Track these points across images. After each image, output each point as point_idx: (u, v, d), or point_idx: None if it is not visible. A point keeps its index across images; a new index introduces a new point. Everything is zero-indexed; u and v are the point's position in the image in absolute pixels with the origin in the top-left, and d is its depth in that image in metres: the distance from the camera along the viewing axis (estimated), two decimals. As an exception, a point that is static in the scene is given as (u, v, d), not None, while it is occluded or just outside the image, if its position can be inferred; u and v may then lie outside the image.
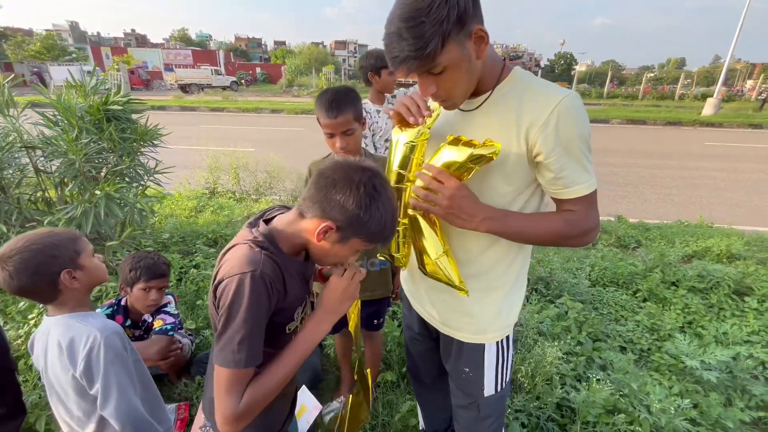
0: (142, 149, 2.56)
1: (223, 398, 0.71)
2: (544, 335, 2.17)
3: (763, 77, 29.23)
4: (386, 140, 2.41)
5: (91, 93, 2.48)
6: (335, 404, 1.83)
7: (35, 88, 2.44)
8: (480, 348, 1.03)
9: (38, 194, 2.71)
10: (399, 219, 0.92)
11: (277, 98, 21.42)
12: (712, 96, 15.54)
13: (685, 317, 2.52)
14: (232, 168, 5.08)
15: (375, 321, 1.72)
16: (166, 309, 1.74)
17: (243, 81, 30.32)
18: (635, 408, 1.64)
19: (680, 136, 11.45)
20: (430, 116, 0.86)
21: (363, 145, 2.39)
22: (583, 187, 0.83)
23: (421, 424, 1.54)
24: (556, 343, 1.94)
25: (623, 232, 3.92)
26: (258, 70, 37.15)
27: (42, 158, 2.66)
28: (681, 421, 1.54)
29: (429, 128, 0.87)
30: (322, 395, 1.91)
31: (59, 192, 2.67)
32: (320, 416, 1.78)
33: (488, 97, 0.86)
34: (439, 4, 0.69)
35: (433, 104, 0.90)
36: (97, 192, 2.04)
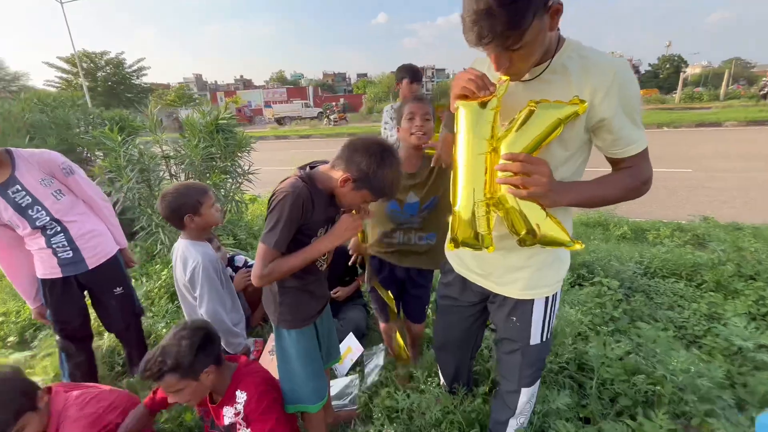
0: (240, 154, 3.32)
1: (258, 262, 1.12)
2: (574, 306, 2.22)
3: None
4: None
5: (207, 115, 3.34)
6: (377, 348, 2.16)
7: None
8: (529, 303, 1.13)
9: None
10: (484, 193, 0.94)
11: (358, 124, 23.14)
12: None
13: (758, 309, 2.29)
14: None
15: (427, 307, 1.88)
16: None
17: (328, 111, 33.40)
18: (657, 369, 1.65)
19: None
20: (502, 86, 0.89)
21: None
22: (641, 144, 0.93)
23: (442, 381, 1.69)
24: (578, 308, 2.01)
25: (704, 230, 3.58)
26: (342, 100, 40.54)
27: (174, 165, 3.60)
28: (705, 381, 1.53)
29: (500, 99, 0.90)
30: (365, 346, 2.24)
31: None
32: (362, 356, 2.13)
33: (547, 66, 0.92)
34: None
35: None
36: (208, 182, 2.75)
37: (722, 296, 2.45)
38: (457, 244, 1.04)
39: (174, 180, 3.56)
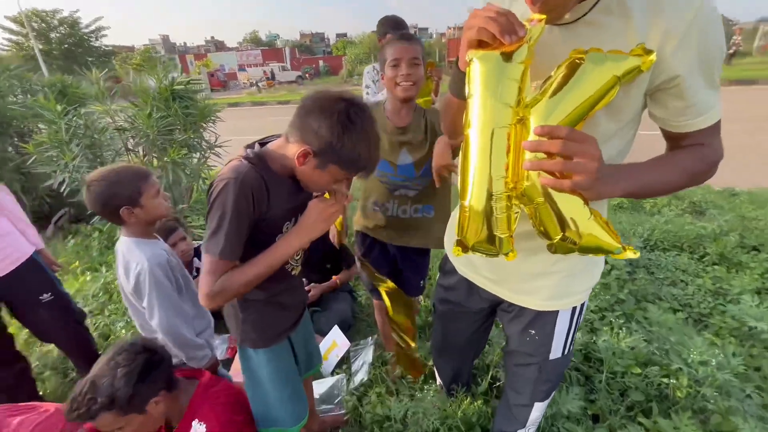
0: (204, 125, 2.93)
1: (204, 278, 0.84)
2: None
3: None
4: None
5: (163, 79, 2.89)
6: (365, 342, 1.97)
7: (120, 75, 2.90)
8: (552, 315, 0.92)
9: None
10: (505, 182, 0.68)
11: (338, 88, 22.06)
12: None
13: (764, 283, 2.19)
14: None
15: (421, 281, 1.65)
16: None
17: (307, 74, 31.74)
18: (671, 360, 1.52)
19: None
20: (535, 28, 0.64)
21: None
22: (715, 113, 0.69)
23: (438, 381, 1.55)
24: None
25: (700, 197, 3.46)
26: (321, 63, 38.51)
27: (131, 139, 3.18)
28: (726, 375, 1.39)
29: (532, 47, 0.64)
30: (352, 338, 2.04)
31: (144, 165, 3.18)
32: (348, 351, 1.94)
33: (597, 2, 0.66)
34: None
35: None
36: (166, 159, 2.40)
37: (726, 269, 2.34)
38: (465, 248, 0.79)
39: (132, 156, 3.16)
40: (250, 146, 0.92)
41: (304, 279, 2.34)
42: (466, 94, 0.71)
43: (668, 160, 0.74)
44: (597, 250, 0.69)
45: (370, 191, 1.50)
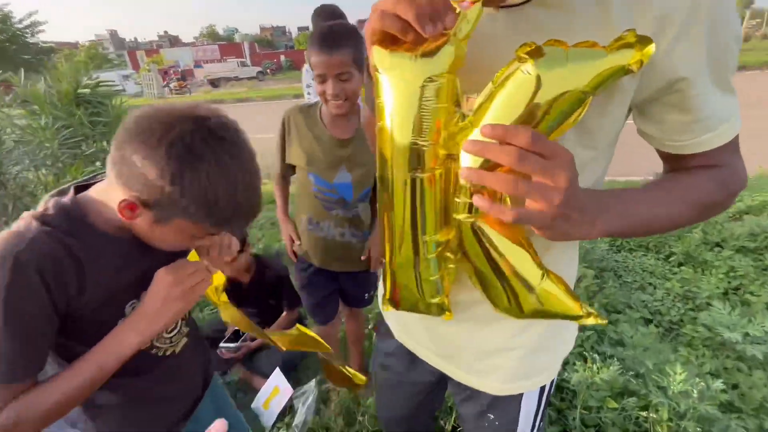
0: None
1: None
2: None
3: None
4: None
5: (67, 79, 2.46)
6: (307, 387, 1.71)
7: (11, 79, 2.44)
8: (516, 397, 0.72)
9: (39, 187, 2.79)
10: (426, 237, 0.49)
11: (300, 84, 21.45)
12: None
13: (729, 282, 2.12)
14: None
15: (366, 294, 1.54)
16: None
17: (268, 70, 30.67)
18: (650, 390, 1.36)
19: (744, 82, 10.03)
20: (471, 12, 0.39)
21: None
22: (733, 126, 0.48)
23: None
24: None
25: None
26: (282, 57, 37.31)
27: (37, 152, 2.73)
28: (708, 407, 1.25)
29: (462, 43, 0.40)
30: (299, 379, 1.79)
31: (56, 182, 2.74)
32: (291, 400, 1.68)
33: None
34: None
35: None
36: (68, 178, 2.02)
37: (692, 269, 2.26)
38: (396, 305, 0.61)
39: (38, 174, 2.71)
40: (61, 193, 0.62)
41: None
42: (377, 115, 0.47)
43: (671, 188, 0.51)
44: (554, 316, 0.51)
45: (303, 206, 1.31)
